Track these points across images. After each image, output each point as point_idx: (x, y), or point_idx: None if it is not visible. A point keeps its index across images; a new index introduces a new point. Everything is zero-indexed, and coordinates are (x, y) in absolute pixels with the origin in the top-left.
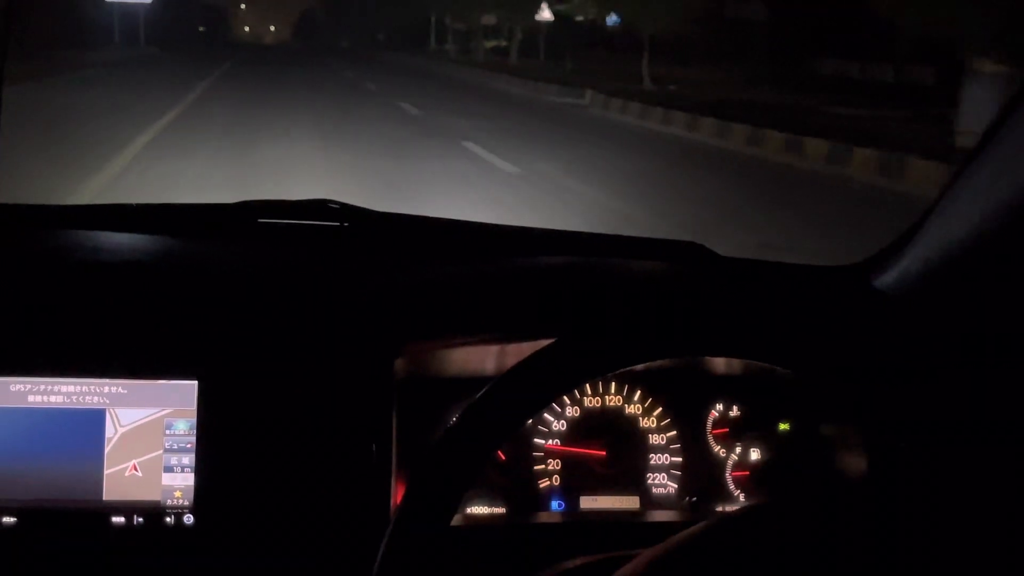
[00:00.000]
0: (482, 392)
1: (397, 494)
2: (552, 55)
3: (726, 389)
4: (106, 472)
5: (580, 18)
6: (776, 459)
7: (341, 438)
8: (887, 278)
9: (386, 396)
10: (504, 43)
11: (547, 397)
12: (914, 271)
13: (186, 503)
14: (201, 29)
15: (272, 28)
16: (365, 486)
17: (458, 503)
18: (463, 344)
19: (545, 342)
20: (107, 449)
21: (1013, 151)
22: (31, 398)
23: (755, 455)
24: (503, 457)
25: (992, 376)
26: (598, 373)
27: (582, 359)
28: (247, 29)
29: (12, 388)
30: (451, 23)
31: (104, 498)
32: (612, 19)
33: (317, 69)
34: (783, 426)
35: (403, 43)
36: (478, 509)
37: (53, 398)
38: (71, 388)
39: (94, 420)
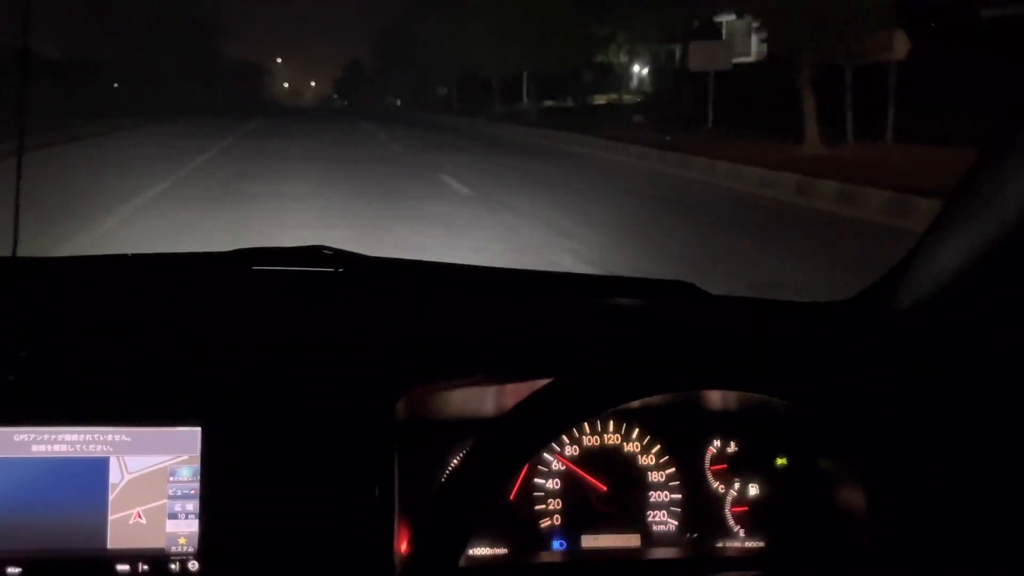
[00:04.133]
0: (482, 435)
1: (400, 537)
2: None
3: (723, 425)
4: (110, 520)
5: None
6: (775, 494)
7: (344, 482)
8: (879, 313)
9: (388, 439)
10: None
11: (547, 436)
12: (904, 306)
13: (191, 550)
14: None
15: (312, 84)
16: (368, 530)
17: (465, 547)
18: (463, 386)
19: (543, 382)
20: (111, 497)
21: (1002, 178)
22: (35, 448)
23: (754, 491)
24: (512, 498)
25: (988, 408)
26: (596, 411)
27: (579, 397)
28: (286, 85)
29: (16, 438)
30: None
31: (108, 546)
32: None
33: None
34: (780, 461)
35: (468, 99)
36: (480, 550)
37: (57, 447)
38: (75, 437)
39: (98, 468)
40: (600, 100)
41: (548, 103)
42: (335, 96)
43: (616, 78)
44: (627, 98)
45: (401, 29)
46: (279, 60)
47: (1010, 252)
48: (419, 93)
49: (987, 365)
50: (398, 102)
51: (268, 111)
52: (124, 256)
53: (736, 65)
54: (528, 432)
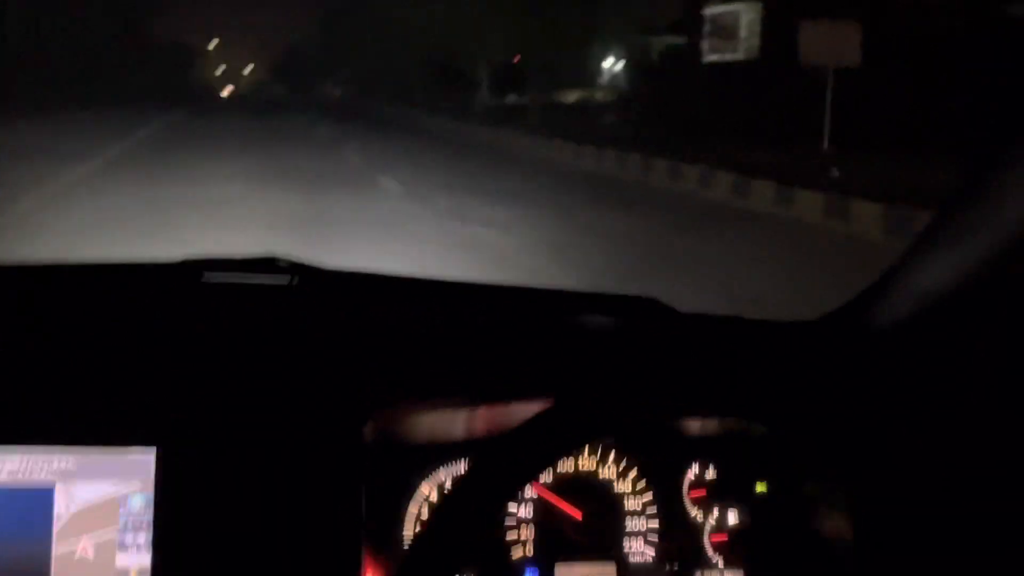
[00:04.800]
0: (479, 461)
1: (366, 567)
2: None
3: (701, 451)
4: (55, 555)
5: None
6: (755, 522)
7: (307, 509)
8: (856, 332)
9: (355, 464)
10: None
11: (546, 462)
12: (883, 324)
13: None
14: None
15: (251, 67)
16: (333, 560)
17: None
18: (434, 408)
19: (517, 404)
20: (56, 529)
21: (987, 200)
22: None
23: (733, 518)
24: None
25: (973, 429)
26: (597, 436)
27: (580, 422)
28: (223, 67)
29: None
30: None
31: None
32: None
33: None
34: (760, 487)
35: (430, 92)
36: None
37: None
38: (15, 465)
39: (42, 499)
40: (569, 97)
41: (512, 98)
42: (272, 82)
43: (585, 72)
44: (599, 96)
45: (355, 5)
46: (214, 42)
47: (994, 274)
48: (372, 82)
49: (968, 386)
50: (338, 92)
51: (194, 101)
52: (64, 265)
53: (723, 64)
54: (527, 459)
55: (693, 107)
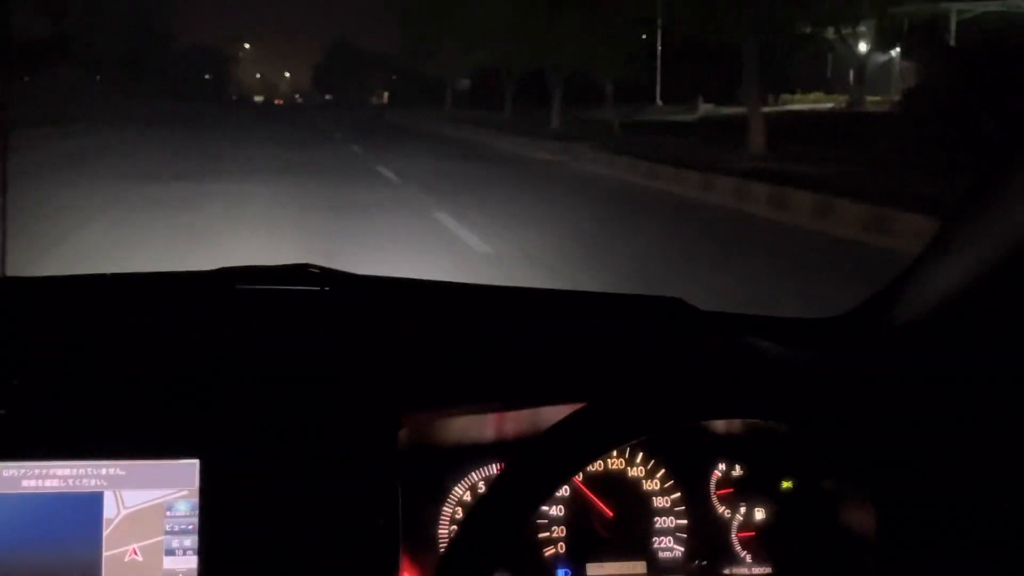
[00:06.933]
0: (516, 461)
1: (403, 568)
2: None
3: (727, 449)
4: (105, 557)
5: None
6: (781, 518)
7: (346, 513)
8: (877, 328)
9: (391, 468)
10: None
11: (583, 462)
12: (904, 320)
13: None
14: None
15: (287, 74)
16: (372, 562)
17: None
18: (466, 412)
19: (547, 408)
20: (106, 533)
21: (1009, 196)
22: (25, 483)
23: (760, 515)
24: None
25: (995, 423)
26: (632, 438)
27: (617, 423)
28: (258, 76)
29: (5, 474)
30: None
31: None
32: None
33: None
34: (786, 484)
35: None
36: None
37: (48, 482)
38: (67, 471)
39: (92, 504)
40: (795, 104)
41: (709, 108)
42: (315, 90)
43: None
44: (871, 101)
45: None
46: (246, 46)
47: (1013, 268)
48: (433, 88)
49: (991, 379)
50: (385, 96)
51: (203, 121)
52: (103, 276)
53: None
54: (562, 459)
55: None
